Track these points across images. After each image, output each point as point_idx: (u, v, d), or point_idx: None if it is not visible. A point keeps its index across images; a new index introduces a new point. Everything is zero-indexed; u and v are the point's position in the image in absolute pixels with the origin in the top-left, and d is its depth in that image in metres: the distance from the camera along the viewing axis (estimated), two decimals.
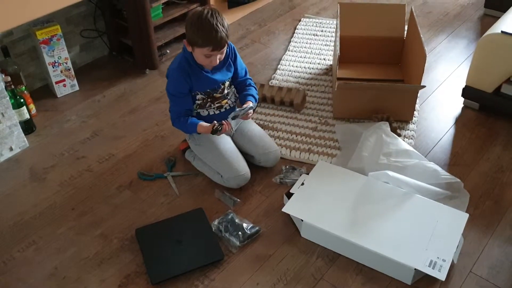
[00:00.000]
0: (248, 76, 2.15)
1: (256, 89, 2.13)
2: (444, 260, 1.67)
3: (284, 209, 1.85)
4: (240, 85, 2.12)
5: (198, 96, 2.01)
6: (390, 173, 1.92)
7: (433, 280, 1.69)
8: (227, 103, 2.09)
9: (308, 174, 2.00)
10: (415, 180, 1.93)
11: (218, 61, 1.90)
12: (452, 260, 1.69)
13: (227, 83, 2.05)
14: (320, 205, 1.87)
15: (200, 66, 1.95)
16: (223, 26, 1.83)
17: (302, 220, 1.82)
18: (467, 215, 1.83)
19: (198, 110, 2.06)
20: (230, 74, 2.05)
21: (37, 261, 1.82)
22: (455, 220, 1.81)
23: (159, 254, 1.78)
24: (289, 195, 1.91)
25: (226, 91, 2.06)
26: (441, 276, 1.64)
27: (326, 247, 1.82)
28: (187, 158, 2.19)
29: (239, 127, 2.15)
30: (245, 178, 2.01)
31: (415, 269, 1.65)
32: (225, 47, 1.89)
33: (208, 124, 1.96)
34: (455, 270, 1.75)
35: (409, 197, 1.89)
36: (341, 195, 1.91)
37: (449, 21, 3.21)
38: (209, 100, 2.03)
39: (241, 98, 2.08)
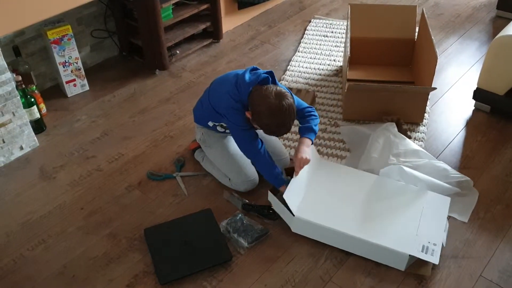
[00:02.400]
0: (305, 105, 1.98)
1: (317, 117, 1.98)
2: (435, 244, 1.73)
3: (284, 196, 1.79)
4: (298, 116, 1.96)
5: (224, 124, 1.99)
6: (406, 168, 1.93)
7: (438, 282, 1.68)
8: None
9: None
10: (427, 176, 1.94)
11: None
12: (442, 243, 1.75)
13: None
14: (311, 197, 1.88)
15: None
16: (293, 120, 1.80)
17: (293, 215, 1.80)
18: (449, 198, 1.89)
19: (217, 127, 2.03)
20: None
21: (46, 260, 1.82)
22: (439, 204, 1.87)
23: (167, 254, 1.78)
24: (273, 191, 1.90)
25: None
26: (434, 260, 1.69)
27: (316, 240, 1.82)
28: (196, 158, 2.19)
29: None
30: (253, 183, 2.01)
31: (409, 255, 1.69)
32: None
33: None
34: (465, 274, 1.73)
35: (394, 185, 1.93)
36: (329, 186, 1.95)
37: (461, 23, 3.19)
38: None
39: (300, 129, 1.95)
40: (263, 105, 1.76)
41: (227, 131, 2.03)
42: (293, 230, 1.84)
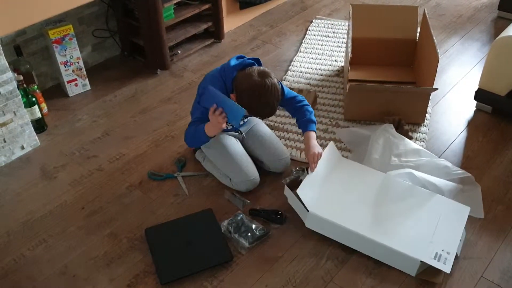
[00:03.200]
0: (295, 94, 2.02)
1: (309, 106, 2.01)
2: (448, 253, 1.70)
3: (298, 191, 1.79)
4: (290, 107, 2.02)
5: None
6: (415, 172, 1.92)
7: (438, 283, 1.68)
8: (243, 121, 2.09)
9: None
10: (435, 178, 1.94)
11: None
12: (456, 253, 1.72)
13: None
14: (327, 194, 1.87)
15: None
16: (277, 100, 1.80)
17: (308, 211, 1.80)
18: (469, 208, 1.85)
19: None
20: None
21: (46, 259, 1.82)
22: (457, 213, 1.84)
23: (168, 254, 1.78)
24: (290, 186, 1.90)
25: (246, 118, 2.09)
26: (446, 268, 1.66)
27: (327, 236, 1.82)
28: (197, 158, 2.19)
29: (250, 130, 2.14)
30: (254, 183, 2.01)
31: (421, 261, 1.67)
32: None
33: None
34: (466, 275, 1.72)
35: (413, 190, 1.90)
36: (344, 184, 1.93)
37: (462, 24, 3.18)
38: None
39: (300, 124, 1.99)
40: (246, 84, 1.77)
41: (224, 128, 2.02)
42: (306, 225, 1.84)
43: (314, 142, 1.92)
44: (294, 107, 2.01)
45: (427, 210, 1.84)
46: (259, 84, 1.75)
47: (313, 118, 1.99)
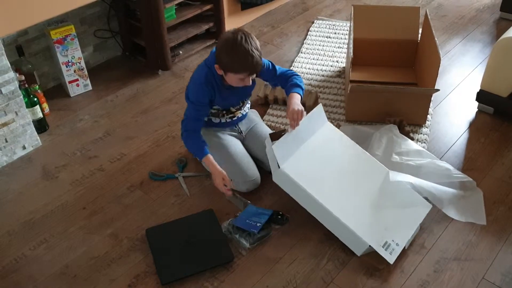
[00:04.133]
0: (286, 69, 2.07)
1: (300, 76, 2.04)
2: (397, 245, 1.75)
3: (274, 146, 1.82)
4: (282, 80, 2.05)
5: (215, 107, 2.02)
6: (415, 180, 1.91)
7: (440, 284, 1.67)
8: (241, 113, 2.10)
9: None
10: (434, 184, 1.93)
11: (251, 81, 1.90)
12: (404, 246, 1.77)
13: (247, 100, 2.08)
14: (301, 158, 1.88)
15: (224, 84, 1.94)
16: (258, 50, 1.81)
17: (279, 167, 1.82)
18: (430, 206, 1.88)
19: (211, 117, 2.06)
20: (250, 89, 2.04)
21: (47, 259, 1.83)
22: (419, 208, 1.87)
23: (169, 255, 1.78)
24: (273, 137, 1.89)
25: (244, 107, 2.09)
26: (391, 259, 1.72)
27: (293, 198, 1.85)
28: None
29: (251, 130, 2.14)
30: (255, 183, 2.01)
31: (369, 245, 1.71)
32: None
33: (217, 167, 1.93)
34: (468, 276, 1.72)
35: (388, 177, 1.92)
36: (325, 155, 1.94)
37: (464, 25, 3.18)
38: (224, 112, 2.04)
39: (287, 89, 2.01)
40: (220, 43, 1.83)
41: (223, 120, 2.06)
42: (273, 179, 1.87)
43: (296, 101, 1.91)
44: (284, 78, 2.04)
45: (393, 199, 1.87)
46: (231, 38, 1.79)
47: (300, 83, 2.00)
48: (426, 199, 1.91)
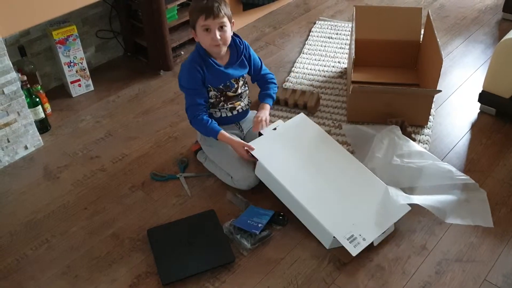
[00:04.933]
0: (268, 72, 2.19)
1: (276, 85, 2.20)
2: (364, 239, 1.76)
3: (251, 143, 1.95)
4: (261, 82, 2.18)
5: (211, 93, 2.02)
6: (416, 198, 1.89)
7: (441, 286, 1.67)
8: (240, 105, 2.09)
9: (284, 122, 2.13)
10: (438, 196, 1.92)
11: (218, 37, 1.89)
12: (372, 242, 1.77)
13: (240, 82, 2.06)
14: (280, 153, 1.97)
15: (213, 60, 1.97)
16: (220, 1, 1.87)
17: (257, 160, 1.92)
18: (409, 208, 1.88)
19: (211, 111, 2.07)
20: (244, 71, 2.06)
21: (49, 259, 1.83)
22: (397, 209, 1.86)
23: (170, 255, 1.78)
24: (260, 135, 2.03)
25: (240, 91, 2.06)
26: (354, 251, 1.73)
27: (273, 192, 1.93)
28: (198, 159, 2.19)
29: (251, 129, 2.14)
30: (255, 179, 2.01)
31: (333, 237, 1.73)
32: (221, 18, 1.87)
33: (234, 139, 1.98)
34: (469, 278, 1.72)
35: (368, 174, 1.97)
36: (304, 151, 2.01)
37: (466, 26, 3.18)
38: (222, 99, 2.03)
39: (260, 96, 2.16)
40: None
41: (223, 112, 2.08)
42: (255, 172, 1.96)
43: (265, 111, 2.07)
44: (264, 80, 2.17)
45: (370, 197, 1.89)
46: None
47: (274, 94, 2.15)
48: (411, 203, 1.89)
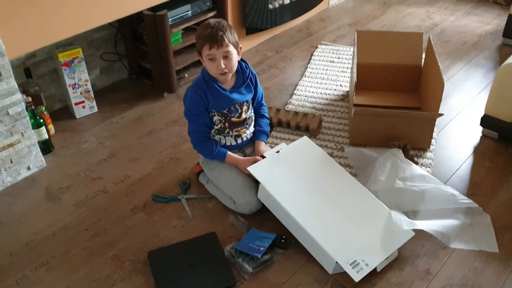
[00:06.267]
0: (263, 102, 2.20)
1: (268, 119, 2.22)
2: (367, 265, 1.72)
3: (249, 168, 1.95)
4: (255, 112, 2.16)
5: (216, 118, 2.02)
6: (420, 223, 1.87)
7: None
8: (245, 133, 2.10)
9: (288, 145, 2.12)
10: (442, 221, 1.91)
11: (223, 65, 1.90)
12: (376, 267, 1.74)
13: (244, 107, 2.06)
14: (283, 176, 1.96)
15: (218, 85, 1.97)
16: (222, 26, 1.87)
17: (259, 183, 1.92)
18: (413, 234, 1.85)
19: (216, 137, 2.07)
20: (248, 97, 2.06)
21: (49, 281, 1.81)
22: (400, 234, 1.84)
23: (171, 278, 1.76)
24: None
25: (244, 116, 2.06)
26: (356, 277, 1.69)
27: (275, 216, 1.92)
28: (200, 181, 2.19)
29: (253, 152, 2.14)
30: (258, 204, 2.00)
31: (336, 262, 1.71)
32: (225, 47, 1.87)
33: (240, 158, 2.01)
34: None
35: (371, 198, 1.95)
36: (307, 174, 2.00)
37: (467, 50, 3.21)
38: (227, 125, 2.04)
39: (255, 132, 2.16)
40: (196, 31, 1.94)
41: (228, 140, 2.08)
42: (258, 196, 1.96)
43: (262, 148, 2.10)
44: (258, 112, 2.17)
45: (373, 221, 1.87)
46: (204, 23, 1.91)
47: (267, 129, 2.18)
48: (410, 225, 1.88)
